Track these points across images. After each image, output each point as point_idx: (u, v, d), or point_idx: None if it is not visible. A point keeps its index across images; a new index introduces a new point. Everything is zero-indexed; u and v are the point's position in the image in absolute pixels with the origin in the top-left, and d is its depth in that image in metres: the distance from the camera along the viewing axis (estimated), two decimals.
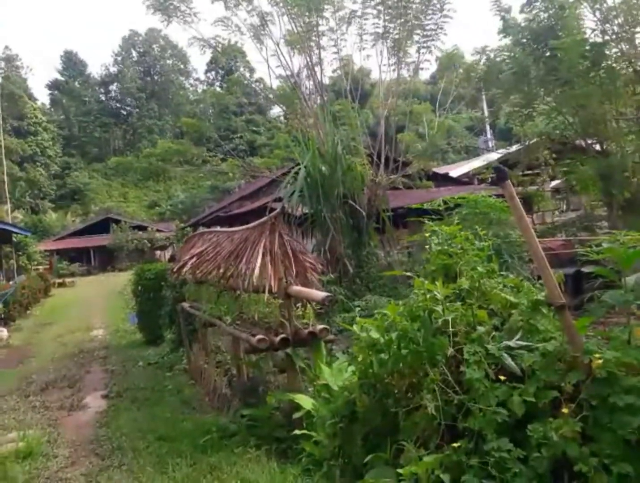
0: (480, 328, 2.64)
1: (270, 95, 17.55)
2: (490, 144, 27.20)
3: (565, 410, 2.25)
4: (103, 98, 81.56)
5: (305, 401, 4.37)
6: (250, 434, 5.38)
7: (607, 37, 12.31)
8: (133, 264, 26.32)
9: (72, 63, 79.95)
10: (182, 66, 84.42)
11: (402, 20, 13.70)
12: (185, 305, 8.52)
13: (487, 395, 2.39)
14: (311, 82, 14.70)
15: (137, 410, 7.36)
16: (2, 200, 54.42)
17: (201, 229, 12.31)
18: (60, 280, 33.63)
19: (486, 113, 23.56)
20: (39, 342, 14.05)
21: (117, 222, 46.45)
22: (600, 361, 2.29)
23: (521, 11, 13.30)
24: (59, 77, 79.41)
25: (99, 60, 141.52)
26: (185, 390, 8.06)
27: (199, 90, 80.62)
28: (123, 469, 5.37)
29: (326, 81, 15.61)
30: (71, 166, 69.97)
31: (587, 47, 11.95)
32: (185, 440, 5.77)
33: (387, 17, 13.74)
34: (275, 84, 16.50)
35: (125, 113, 79.55)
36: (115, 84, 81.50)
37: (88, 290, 28.69)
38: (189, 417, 6.63)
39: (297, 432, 4.10)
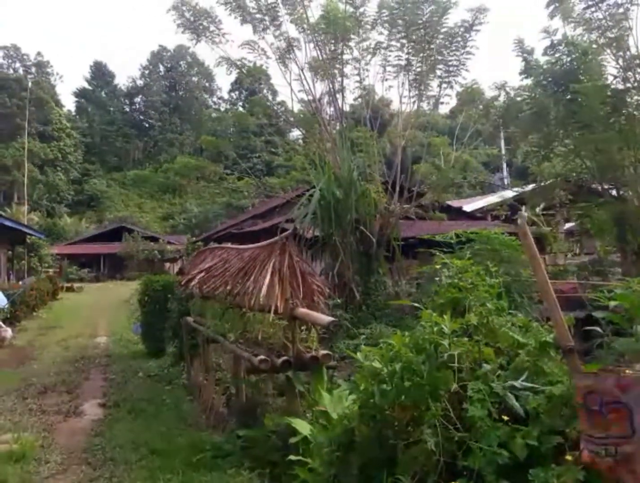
0: (486, 366, 2.60)
1: (291, 119, 17.79)
2: (505, 181, 27.23)
3: (568, 457, 2.20)
4: (127, 109, 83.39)
5: (303, 426, 4.31)
6: (244, 455, 5.31)
7: (628, 85, 12.37)
8: (142, 274, 26.46)
9: (100, 73, 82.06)
10: (207, 84, 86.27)
11: (425, 54, 13.92)
12: (190, 319, 8.51)
13: (488, 434, 2.34)
14: (332, 108, 14.91)
15: (133, 422, 7.30)
16: (20, 201, 55.32)
17: (212, 244, 12.37)
18: (68, 285, 33.82)
19: (503, 150, 23.66)
20: (42, 345, 14.07)
21: (130, 231, 46.86)
22: None
23: (544, 53, 13.42)
24: (86, 85, 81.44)
25: (126, 72, 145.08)
26: (183, 405, 7.99)
27: (222, 109, 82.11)
28: (113, 481, 5.31)
29: (347, 108, 15.81)
30: (90, 173, 71.24)
31: (609, 93, 12.01)
32: (178, 456, 5.70)
33: (410, 51, 13.96)
34: (297, 107, 16.73)
35: (147, 125, 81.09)
36: (141, 96, 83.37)
37: (95, 297, 28.80)
38: (184, 433, 6.56)
39: (292, 457, 4.03)
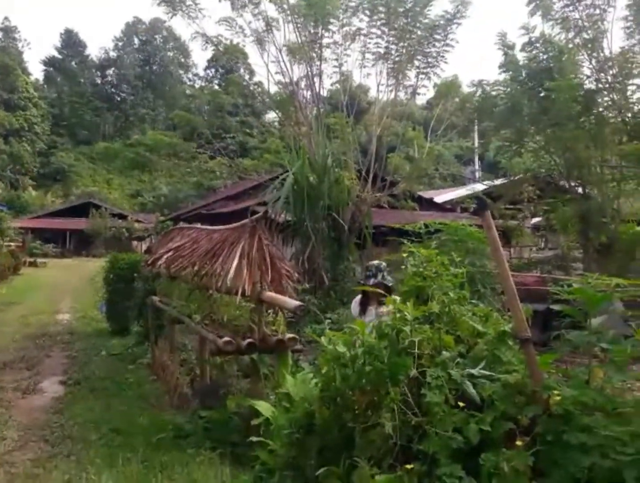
0: (446, 353, 2.66)
1: (267, 100, 17.58)
2: (477, 175, 27.64)
3: (519, 443, 2.28)
4: (99, 81, 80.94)
5: (265, 408, 4.33)
6: (206, 436, 5.31)
7: (600, 85, 12.66)
8: (109, 252, 25.96)
9: (71, 42, 79.33)
10: (182, 60, 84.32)
11: (405, 44, 13.90)
12: (156, 299, 8.41)
13: (444, 419, 2.41)
14: (309, 92, 14.79)
15: (94, 400, 7.21)
16: None
17: (182, 224, 12.21)
18: (31, 260, 32.96)
19: (476, 144, 23.95)
20: (2, 321, 13.70)
21: (98, 207, 45.85)
22: (558, 398, 2.33)
23: (522, 50, 13.60)
24: (56, 54, 78.62)
25: (98, 43, 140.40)
26: (146, 385, 7.92)
27: (197, 86, 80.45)
28: (71, 459, 5.25)
29: (324, 93, 15.72)
30: (58, 146, 69.09)
31: (581, 93, 12.28)
32: (139, 436, 5.67)
33: (390, 39, 13.92)
34: (274, 89, 16.53)
35: (119, 99, 78.98)
36: (113, 68, 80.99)
37: (59, 273, 28.17)
38: (146, 413, 6.52)
39: (253, 438, 4.06)
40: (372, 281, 4.80)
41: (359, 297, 5.18)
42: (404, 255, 3.63)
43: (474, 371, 2.59)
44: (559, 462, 2.25)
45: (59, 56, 78.63)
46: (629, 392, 2.85)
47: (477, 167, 30.96)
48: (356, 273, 12.31)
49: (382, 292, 4.70)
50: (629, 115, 12.31)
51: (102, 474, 4.67)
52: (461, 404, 2.46)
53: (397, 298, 3.00)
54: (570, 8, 12.56)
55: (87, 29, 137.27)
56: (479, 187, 18.36)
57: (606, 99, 12.73)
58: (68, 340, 11.48)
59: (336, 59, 14.45)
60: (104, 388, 7.74)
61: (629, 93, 12.43)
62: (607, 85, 12.49)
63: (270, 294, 5.33)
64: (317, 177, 11.83)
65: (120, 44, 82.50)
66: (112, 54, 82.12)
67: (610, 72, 12.40)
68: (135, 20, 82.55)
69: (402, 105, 16.26)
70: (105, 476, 4.63)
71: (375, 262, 5.13)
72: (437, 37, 14.06)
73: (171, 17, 14.96)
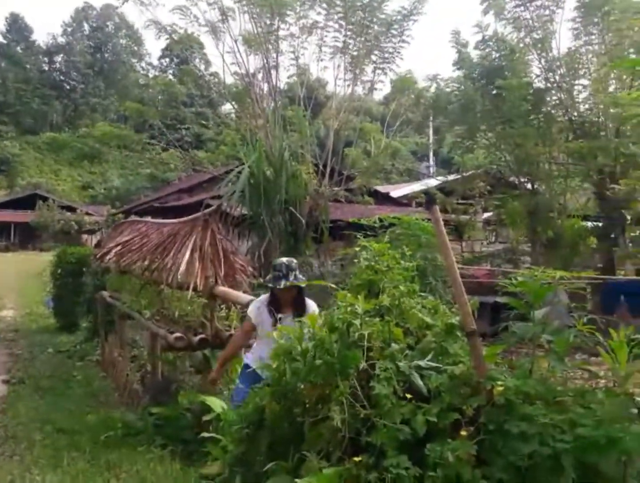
0: (395, 346, 2.69)
1: (223, 91, 17.28)
2: (431, 170, 28.18)
3: (463, 433, 2.33)
4: (46, 68, 77.54)
5: (216, 404, 4.28)
6: (156, 433, 5.19)
7: (549, 85, 13.11)
8: (57, 245, 24.99)
9: (16, 27, 75.58)
10: (135, 48, 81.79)
11: (363, 38, 13.93)
12: (105, 294, 8.16)
13: (392, 411, 2.43)
14: (266, 85, 14.63)
15: (40, 399, 6.94)
16: None
17: (133, 218, 11.88)
18: None
19: (431, 140, 24.39)
20: None
21: (45, 199, 44.05)
22: (501, 388, 2.39)
23: (475, 47, 13.91)
24: (0, 39, 74.79)
25: (46, 29, 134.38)
26: (95, 382, 7.69)
27: (150, 75, 78.28)
28: (15, 459, 5.05)
29: (281, 86, 15.55)
30: (2, 134, 65.75)
31: (530, 91, 12.69)
32: (86, 435, 5.49)
33: (347, 33, 13.92)
34: (230, 80, 16.25)
35: (68, 87, 75.88)
36: (62, 55, 77.70)
37: (3, 268, 26.91)
38: (94, 411, 6.32)
39: (204, 434, 3.99)
40: (283, 283, 4.09)
41: (263, 297, 4.42)
42: (357, 249, 3.65)
43: (422, 363, 2.62)
44: (501, 451, 2.31)
45: (4, 41, 74.85)
46: (571, 380, 2.97)
47: (431, 162, 31.61)
48: (313, 268, 12.32)
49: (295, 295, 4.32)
50: (575, 114, 12.81)
51: (46, 474, 4.51)
52: (409, 396, 2.49)
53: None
54: (522, 8, 12.93)
55: (33, 13, 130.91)
56: (433, 182, 18.71)
57: (554, 98, 13.21)
58: (12, 338, 11.00)
59: (293, 52, 14.35)
60: (50, 386, 7.46)
61: (575, 93, 12.94)
62: (555, 85, 12.95)
63: (222, 289, 5.26)
64: (273, 171, 11.73)
65: (69, 29, 79.23)
66: (61, 40, 78.82)
67: (558, 72, 12.86)
68: (85, 5, 79.55)
69: (360, 100, 16.32)
70: (49, 476, 4.47)
71: (285, 259, 4.31)
72: (394, 32, 14.15)
73: (123, 4, 14.49)
